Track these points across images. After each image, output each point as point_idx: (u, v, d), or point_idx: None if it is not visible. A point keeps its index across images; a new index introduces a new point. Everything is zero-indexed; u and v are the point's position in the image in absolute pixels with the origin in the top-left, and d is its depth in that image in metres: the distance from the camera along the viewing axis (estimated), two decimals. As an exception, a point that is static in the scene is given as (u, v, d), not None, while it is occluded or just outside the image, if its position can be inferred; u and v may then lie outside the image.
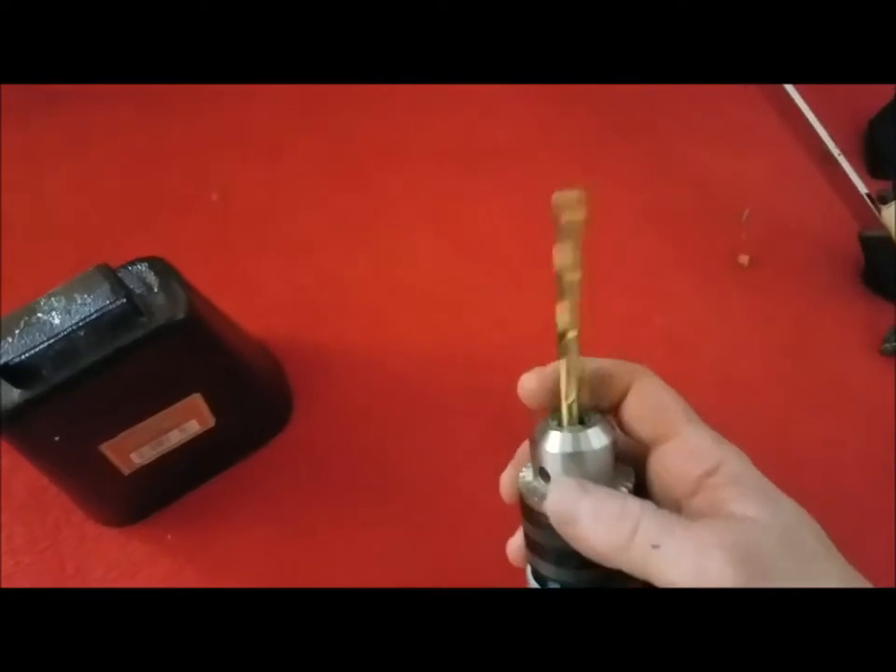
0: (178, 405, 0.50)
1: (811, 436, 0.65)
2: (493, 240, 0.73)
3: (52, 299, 0.42)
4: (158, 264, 0.46)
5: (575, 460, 0.29)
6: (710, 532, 0.26)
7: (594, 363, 0.31)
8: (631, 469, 0.31)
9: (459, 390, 0.66)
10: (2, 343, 0.41)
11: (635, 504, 0.27)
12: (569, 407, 0.30)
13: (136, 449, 0.51)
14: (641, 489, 0.31)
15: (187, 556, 0.59)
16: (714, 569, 0.25)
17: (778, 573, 0.25)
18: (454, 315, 0.69)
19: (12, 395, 0.42)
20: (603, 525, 0.27)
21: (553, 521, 0.29)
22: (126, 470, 0.53)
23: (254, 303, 0.66)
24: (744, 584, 0.25)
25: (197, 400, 0.51)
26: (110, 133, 0.77)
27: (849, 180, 0.70)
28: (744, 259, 0.71)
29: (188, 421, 0.53)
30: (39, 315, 0.41)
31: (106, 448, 0.49)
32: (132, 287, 0.44)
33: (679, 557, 0.26)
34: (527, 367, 0.74)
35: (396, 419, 0.65)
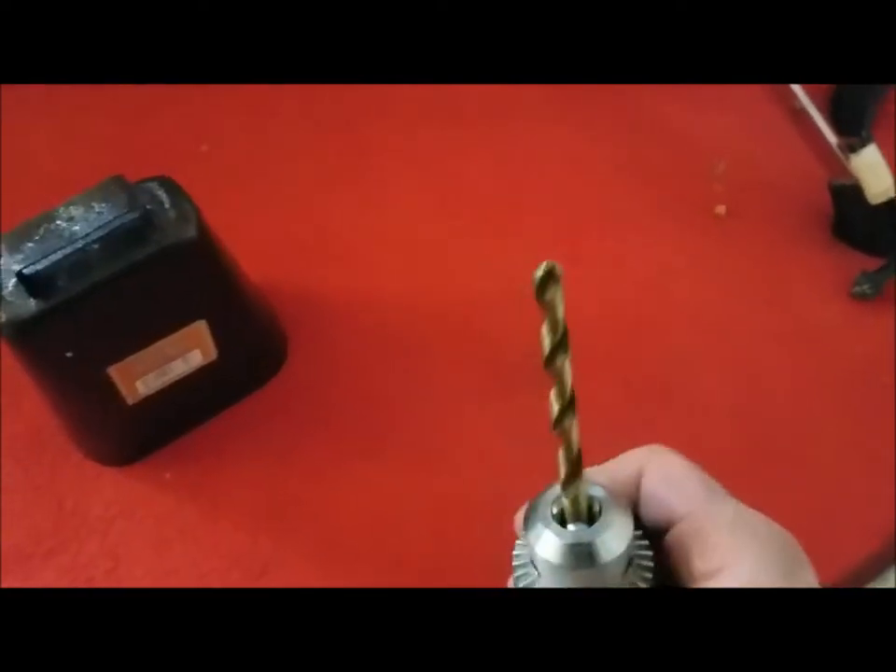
0: (183, 331, 0.51)
1: (784, 377, 0.67)
2: (477, 189, 0.75)
3: (71, 207, 0.43)
4: (168, 183, 0.47)
5: (574, 576, 0.23)
6: None
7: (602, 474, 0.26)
8: (650, 552, 0.25)
9: (447, 334, 0.68)
10: (21, 248, 0.41)
11: None
12: (573, 501, 0.24)
13: (142, 376, 0.52)
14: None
15: (187, 494, 0.60)
16: None
17: None
18: (440, 262, 0.71)
19: (29, 304, 0.42)
20: None
21: None
22: (130, 400, 0.53)
23: (244, 251, 0.66)
24: None
25: (201, 328, 0.52)
26: (95, 86, 0.77)
27: (820, 133, 0.73)
28: (721, 209, 0.73)
29: (191, 350, 0.54)
30: (58, 222, 0.42)
31: (114, 371, 0.49)
32: (143, 203, 0.45)
33: None
34: (513, 312, 0.75)
35: (387, 362, 0.66)
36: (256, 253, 0.68)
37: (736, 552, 0.23)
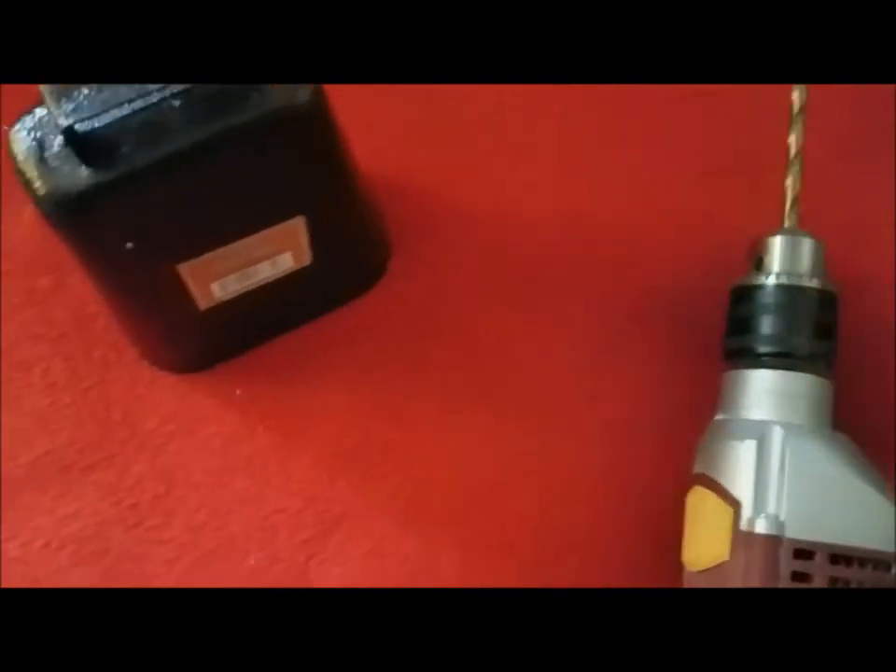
0: (278, 228, 0.40)
1: None
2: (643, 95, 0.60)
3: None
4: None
5: None
6: None
7: None
8: None
9: (587, 268, 0.56)
10: (74, 96, 0.30)
11: None
12: None
13: (220, 278, 0.41)
14: None
15: (258, 415, 0.50)
16: None
17: None
18: (591, 183, 0.57)
19: (80, 174, 0.31)
20: None
21: None
22: (203, 304, 0.42)
23: (356, 133, 0.54)
24: None
25: (298, 226, 0.41)
26: None
27: None
28: None
29: (282, 253, 0.42)
30: (127, 63, 0.30)
31: (186, 269, 0.39)
32: (245, 51, 0.33)
33: None
34: (670, 246, 0.60)
35: (508, 292, 0.55)
36: (370, 137, 0.56)
37: None
